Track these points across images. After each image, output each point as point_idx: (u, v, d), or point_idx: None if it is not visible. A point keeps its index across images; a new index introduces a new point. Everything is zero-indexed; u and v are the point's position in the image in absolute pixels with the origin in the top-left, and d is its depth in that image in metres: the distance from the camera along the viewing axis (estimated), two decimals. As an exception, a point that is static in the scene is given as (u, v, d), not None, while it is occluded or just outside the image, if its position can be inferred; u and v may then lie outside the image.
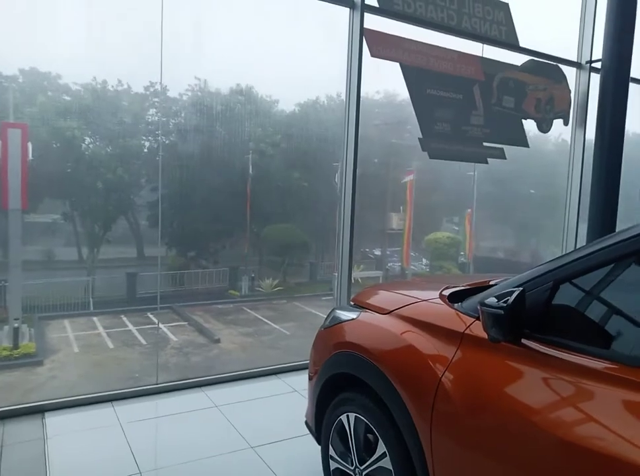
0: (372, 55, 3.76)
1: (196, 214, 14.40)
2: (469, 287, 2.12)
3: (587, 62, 4.93)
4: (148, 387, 3.08)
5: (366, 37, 3.68)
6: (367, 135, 15.91)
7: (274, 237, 15.71)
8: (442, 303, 1.89)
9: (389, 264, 17.42)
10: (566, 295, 1.40)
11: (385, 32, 3.88)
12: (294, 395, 3.13)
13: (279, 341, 11.79)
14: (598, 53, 4.81)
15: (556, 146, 15.63)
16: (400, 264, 17.59)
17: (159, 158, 14.07)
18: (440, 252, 17.01)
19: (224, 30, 13.18)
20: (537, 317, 1.41)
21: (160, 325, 11.85)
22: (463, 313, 1.71)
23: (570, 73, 4.99)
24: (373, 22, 3.82)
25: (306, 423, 2.35)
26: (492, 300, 1.45)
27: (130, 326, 11.90)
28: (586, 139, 5.10)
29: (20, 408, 2.81)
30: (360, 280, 15.31)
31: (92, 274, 13.36)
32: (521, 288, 1.42)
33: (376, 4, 3.84)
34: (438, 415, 1.57)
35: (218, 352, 10.81)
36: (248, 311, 13.90)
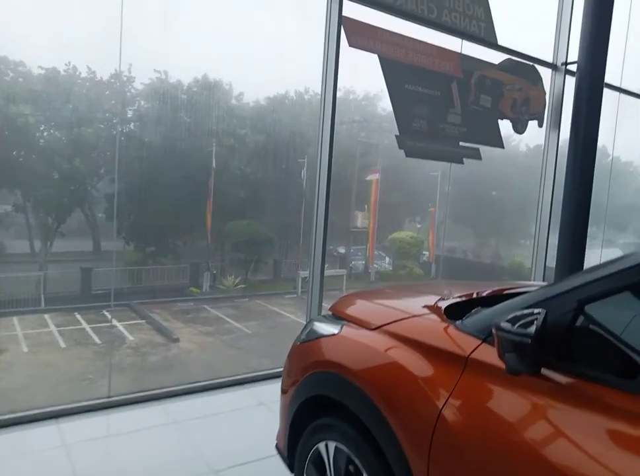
0: (350, 45, 3.56)
1: (156, 208, 13.91)
2: (465, 299, 1.92)
3: (562, 64, 4.89)
4: (98, 401, 2.76)
5: (344, 26, 3.48)
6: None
7: (237, 233, 15.37)
8: (439, 319, 1.68)
9: (352, 262, 17.39)
10: (593, 318, 1.22)
11: (364, 21, 3.68)
12: (261, 408, 2.88)
13: (240, 340, 11.50)
14: (573, 55, 4.77)
15: (514, 149, 15.93)
16: (364, 262, 17.58)
17: (117, 149, 13.52)
18: (403, 251, 17.09)
19: (190, 20, 12.73)
20: (558, 342, 1.23)
21: (117, 323, 11.38)
22: (466, 333, 1.51)
23: (545, 74, 4.94)
24: (351, 11, 3.60)
25: (277, 447, 2.10)
26: (508, 325, 1.25)
27: (84, 324, 11.37)
28: (559, 141, 5.06)
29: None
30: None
31: (45, 269, 12.70)
32: (544, 311, 1.24)
33: (354, -8, 3.62)
34: (437, 452, 1.37)
35: (177, 351, 10.43)
36: (209, 309, 13.53)
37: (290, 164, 15.76)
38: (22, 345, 9.85)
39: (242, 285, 14.85)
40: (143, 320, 11.70)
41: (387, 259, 18.01)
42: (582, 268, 4.58)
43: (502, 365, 1.28)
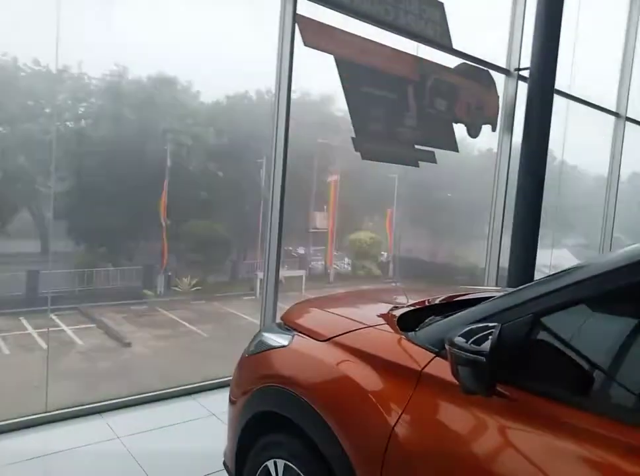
0: (305, 44, 3.49)
1: (108, 207, 13.44)
2: (418, 307, 1.87)
3: (515, 69, 4.98)
4: (35, 416, 2.57)
5: (299, 24, 3.40)
6: (290, 134, 15.69)
7: (193, 234, 15.06)
8: (392, 330, 1.62)
9: (312, 263, 17.35)
10: (549, 331, 1.18)
11: (320, 20, 3.62)
12: (211, 420, 2.76)
13: (195, 344, 11.26)
14: (525, 61, 4.87)
15: (467, 152, 16.30)
16: (323, 262, 17.58)
17: (68, 146, 12.97)
18: (362, 252, 17.20)
19: (143, 12, 12.34)
20: (514, 357, 1.19)
21: (65, 327, 10.92)
22: (419, 346, 1.45)
23: (498, 79, 5.02)
24: (307, 11, 3.53)
25: (224, 464, 1.99)
26: (461, 340, 1.19)
27: (29, 329, 10.85)
28: (512, 146, 5.16)
29: None
30: (283, 280, 15.06)
31: (-14, 271, 12.05)
32: (499, 325, 1.19)
33: (310, -10, 3.55)
34: (389, 471, 1.31)
35: (129, 356, 10.10)
36: (164, 312, 13.19)
37: (248, 164, 15.57)
38: (-39, 352, 9.31)
39: (199, 287, 14.55)
40: (94, 324, 11.29)
41: (346, 260, 18.08)
42: (534, 268, 4.68)
43: (455, 381, 1.23)
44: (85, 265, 13.39)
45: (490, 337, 1.16)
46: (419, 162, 4.25)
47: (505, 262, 5.07)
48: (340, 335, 1.65)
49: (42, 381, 8.21)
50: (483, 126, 4.84)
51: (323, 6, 3.64)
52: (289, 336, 1.82)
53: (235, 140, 15.52)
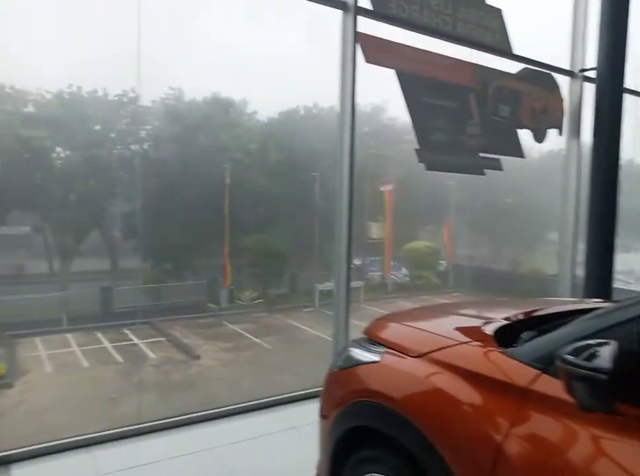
0: (367, 61, 3.56)
1: (172, 225, 14.03)
2: (514, 321, 1.85)
3: (580, 71, 4.84)
4: (129, 428, 2.74)
5: (361, 42, 3.48)
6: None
7: (253, 248, 15.40)
8: (489, 346, 1.62)
9: (368, 274, 17.29)
10: None
11: (380, 36, 3.68)
12: (294, 432, 2.82)
13: (260, 356, 11.44)
14: (590, 61, 4.73)
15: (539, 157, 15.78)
16: (380, 273, 17.48)
17: (133, 169, 13.69)
18: (420, 261, 16.98)
19: (205, 39, 12.92)
20: (632, 374, 1.16)
21: (137, 341, 11.43)
22: (521, 362, 1.44)
23: (562, 82, 4.89)
24: (365, 25, 3.61)
25: None
26: (574, 357, 1.17)
27: (106, 343, 11.43)
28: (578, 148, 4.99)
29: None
30: (341, 291, 15.10)
31: (65, 288, 12.83)
32: (615, 343, 1.16)
33: (370, 7, 3.63)
34: (499, 487, 1.31)
35: (198, 369, 10.42)
36: (228, 324, 13.52)
37: (303, 178, 15.83)
38: (46, 365, 9.92)
39: (260, 300, 14.85)
40: (164, 338, 11.73)
41: (404, 269, 17.86)
42: (612, 277, 4.46)
43: (568, 398, 1.21)
44: (153, 281, 14.01)
45: (605, 353, 1.14)
46: (485, 170, 4.21)
47: (578, 269, 4.88)
48: (434, 351, 1.66)
49: (120, 392, 8.63)
50: (549, 130, 4.72)
51: (382, 22, 3.70)
52: (379, 352, 1.84)
53: (289, 155, 15.84)
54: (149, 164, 14.04)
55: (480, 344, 1.64)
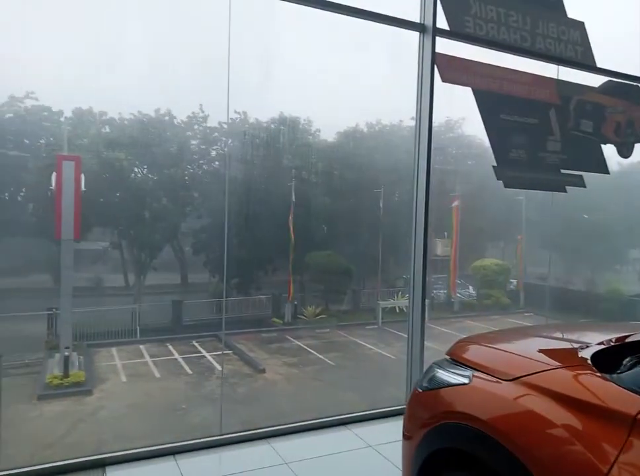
0: (443, 80, 3.57)
1: (239, 240, 14.44)
2: (609, 346, 1.77)
3: (670, 82, 4.59)
4: (211, 438, 2.85)
5: (438, 62, 3.49)
6: (404, 160, 15.78)
7: (316, 264, 15.53)
8: (589, 371, 1.56)
9: (434, 292, 16.93)
10: None
11: (457, 55, 3.68)
12: (369, 451, 2.81)
13: (324, 372, 11.44)
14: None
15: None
16: (445, 291, 17.06)
17: (203, 187, 14.31)
18: (488, 280, 16.43)
19: (285, 64, 13.39)
20: None
21: (205, 353, 11.75)
22: (627, 389, 1.39)
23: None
24: (440, 45, 3.62)
25: None
26: None
27: (176, 355, 11.83)
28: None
29: (78, 462, 2.62)
30: (404, 309, 14.89)
31: (139, 301, 13.49)
32: None
33: (445, 27, 3.64)
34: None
35: (263, 382, 10.56)
36: (292, 339, 13.63)
37: (366, 194, 15.86)
38: (121, 375, 10.40)
39: (323, 316, 14.89)
40: (230, 351, 11.99)
41: (470, 288, 17.36)
42: None
43: None
44: (220, 295, 14.42)
45: None
46: (566, 187, 4.07)
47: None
48: (528, 375, 1.62)
49: (189, 403, 8.91)
50: (636, 144, 4.50)
51: (460, 41, 3.70)
52: (467, 374, 1.81)
53: (353, 172, 15.94)
54: (218, 183, 14.59)
55: (579, 369, 1.59)
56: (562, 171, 4.08)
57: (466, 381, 1.80)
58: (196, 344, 12.54)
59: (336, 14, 3.24)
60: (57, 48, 10.04)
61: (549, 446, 1.45)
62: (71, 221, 9.35)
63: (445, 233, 16.80)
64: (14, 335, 9.66)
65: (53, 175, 9.44)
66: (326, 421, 3.19)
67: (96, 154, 12.48)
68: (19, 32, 9.36)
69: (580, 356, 1.69)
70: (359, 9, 3.25)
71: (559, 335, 2.19)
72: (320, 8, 3.19)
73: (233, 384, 10.30)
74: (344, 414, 3.25)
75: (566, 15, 4.10)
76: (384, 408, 3.48)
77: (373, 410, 3.39)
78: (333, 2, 3.13)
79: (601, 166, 4.32)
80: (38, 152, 11.90)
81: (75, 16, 9.57)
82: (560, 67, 4.10)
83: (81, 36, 10.33)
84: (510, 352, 1.94)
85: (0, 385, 3.62)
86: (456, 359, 1.96)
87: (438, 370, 1.99)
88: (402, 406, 3.56)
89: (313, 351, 12.46)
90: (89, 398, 9.03)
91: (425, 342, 3.56)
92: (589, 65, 4.22)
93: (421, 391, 2.00)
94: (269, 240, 15.10)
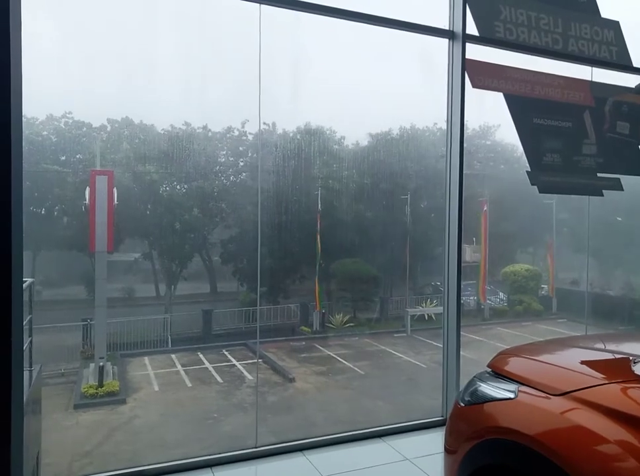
0: (474, 86, 3.54)
1: (268, 250, 14.53)
2: None
3: None
4: (247, 451, 2.85)
5: (467, 67, 3.47)
6: (431, 166, 15.63)
7: (343, 272, 15.49)
8: None
9: (463, 298, 16.66)
10: None
11: (487, 61, 3.65)
12: (406, 464, 2.77)
13: (354, 381, 11.37)
14: None
15: None
16: (475, 297, 16.79)
17: (231, 198, 14.49)
18: (519, 286, 16.11)
19: (314, 75, 13.56)
20: None
21: (235, 362, 11.83)
22: None
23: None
24: (470, 51, 3.59)
25: None
26: None
27: (207, 364, 11.94)
28: None
29: (117, 474, 2.65)
30: (433, 317, 14.70)
31: (170, 311, 13.69)
32: None
33: (473, 33, 3.62)
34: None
35: (293, 391, 10.55)
36: (321, 348, 13.60)
37: (393, 201, 15.78)
38: (154, 384, 10.55)
39: (351, 324, 14.82)
40: (260, 360, 12.02)
41: (501, 294, 17.05)
42: None
43: None
44: (249, 304, 14.52)
45: None
46: (603, 190, 3.97)
47: None
48: (579, 390, 1.57)
49: (220, 412, 8.96)
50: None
51: (491, 46, 3.67)
52: (512, 389, 1.76)
53: (378, 179, 15.90)
54: (246, 194, 14.75)
55: (634, 384, 1.53)
56: (599, 175, 3.99)
57: (512, 395, 1.75)
58: (226, 353, 12.62)
59: (367, 24, 3.26)
60: (95, 67, 10.46)
61: (605, 464, 1.40)
62: (105, 234, 9.59)
63: (474, 239, 16.57)
64: (51, 345, 9.90)
65: (87, 189, 9.70)
66: (360, 433, 3.16)
67: (128, 168, 12.77)
68: (60, 56, 9.78)
69: (632, 370, 1.63)
70: (389, 19, 3.26)
71: (603, 346, 2.12)
72: (353, 20, 3.21)
73: (263, 393, 10.32)
74: (378, 426, 3.22)
75: (599, 15, 4.02)
76: (418, 420, 3.44)
77: (407, 422, 3.34)
78: (364, 14, 3.15)
79: (638, 168, 4.20)
80: (74, 167, 12.26)
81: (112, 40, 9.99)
82: (595, 69, 4.02)
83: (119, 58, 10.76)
84: (557, 366, 1.89)
85: (40, 394, 3.70)
86: (499, 372, 1.91)
87: (481, 384, 1.94)
88: (436, 418, 3.52)
89: (342, 359, 12.40)
90: (123, 408, 9.17)
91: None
92: (624, 65, 4.13)
93: (463, 405, 1.95)
94: (297, 248, 15.16)
